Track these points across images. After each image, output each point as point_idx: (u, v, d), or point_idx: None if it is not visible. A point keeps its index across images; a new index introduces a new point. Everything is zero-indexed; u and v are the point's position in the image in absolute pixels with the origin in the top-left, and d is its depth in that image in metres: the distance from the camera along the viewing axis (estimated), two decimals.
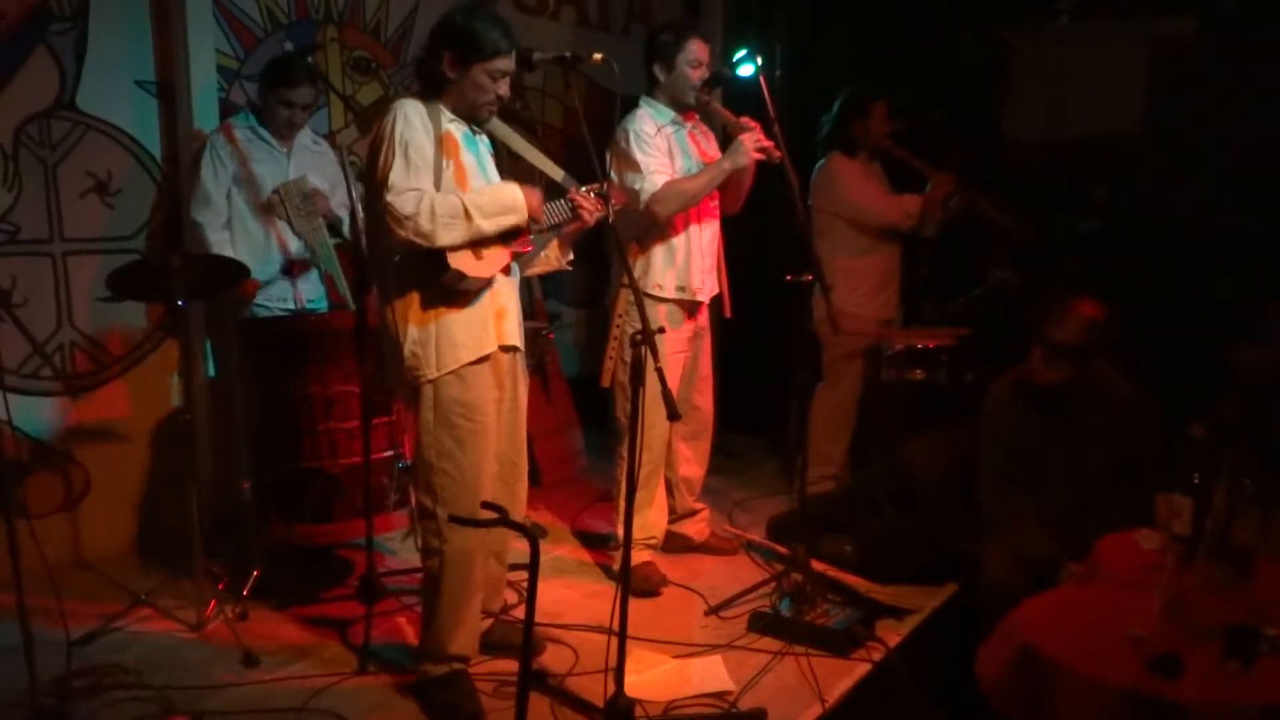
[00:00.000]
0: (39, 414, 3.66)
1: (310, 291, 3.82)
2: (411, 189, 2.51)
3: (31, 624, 2.50)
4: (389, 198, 2.50)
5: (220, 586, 3.33)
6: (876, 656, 3.01)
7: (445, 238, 2.52)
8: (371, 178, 2.59)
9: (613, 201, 2.78)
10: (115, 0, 3.74)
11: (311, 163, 3.83)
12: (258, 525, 3.45)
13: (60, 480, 3.73)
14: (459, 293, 2.64)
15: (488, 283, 2.69)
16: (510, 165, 2.91)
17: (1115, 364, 3.14)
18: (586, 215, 2.77)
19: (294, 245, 3.74)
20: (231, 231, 3.66)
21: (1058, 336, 3.04)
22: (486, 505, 2.64)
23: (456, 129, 2.69)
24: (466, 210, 2.54)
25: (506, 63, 2.65)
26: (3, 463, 2.47)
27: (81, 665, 2.83)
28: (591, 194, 2.79)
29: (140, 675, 2.87)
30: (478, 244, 2.61)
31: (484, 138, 2.82)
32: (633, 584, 3.25)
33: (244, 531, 3.52)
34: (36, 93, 3.58)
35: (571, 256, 2.98)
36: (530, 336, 4.70)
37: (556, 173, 2.88)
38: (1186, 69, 4.77)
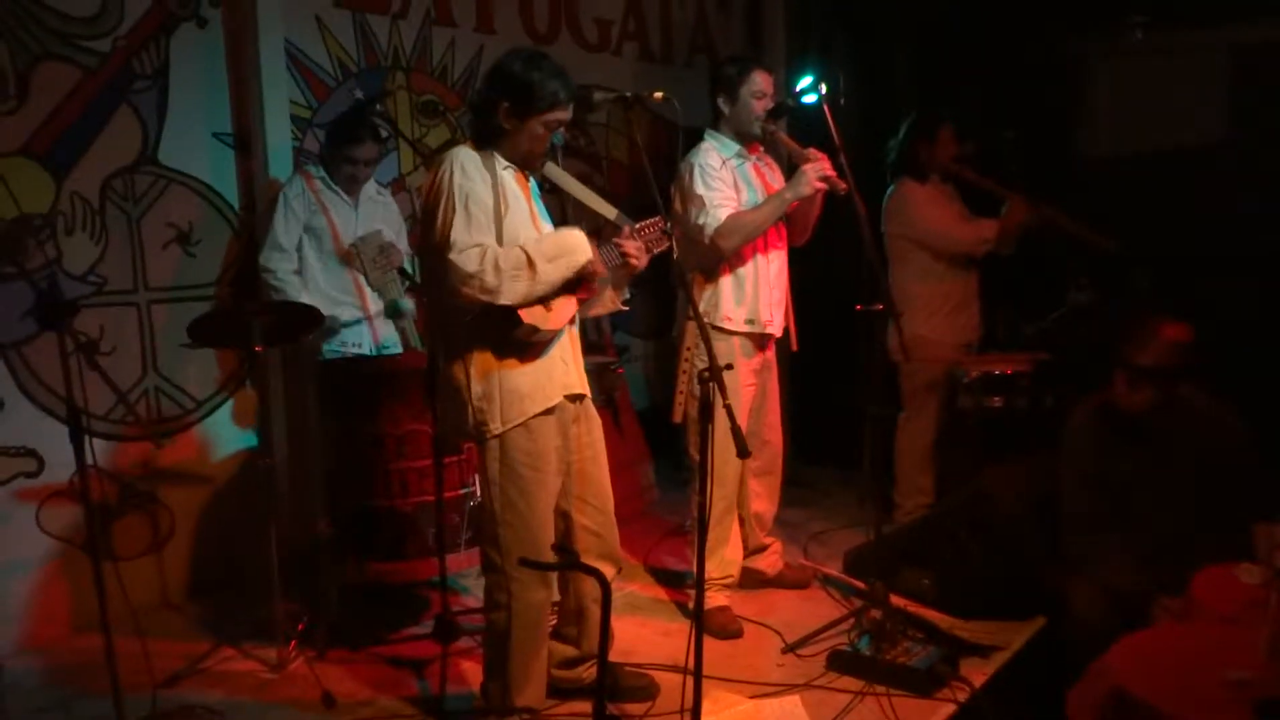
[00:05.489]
0: (126, 458, 3.76)
1: (386, 334, 3.87)
2: (474, 245, 2.47)
3: (119, 666, 2.55)
4: (452, 256, 2.46)
5: (300, 627, 3.37)
6: (961, 696, 2.91)
7: (510, 291, 2.48)
8: (430, 232, 2.55)
9: (674, 234, 2.74)
10: (194, 56, 3.87)
11: (377, 213, 3.91)
12: (335, 564, 3.49)
13: (147, 523, 3.83)
14: (529, 345, 2.61)
15: (557, 333, 2.68)
16: (562, 205, 2.88)
17: (1204, 387, 3.01)
18: (634, 261, 2.70)
19: (370, 294, 3.80)
20: (303, 277, 3.75)
21: (1141, 360, 2.93)
22: (555, 548, 2.64)
23: (510, 176, 2.66)
24: (530, 259, 2.50)
25: (564, 114, 2.61)
26: (90, 506, 2.51)
27: (167, 707, 2.88)
28: (647, 230, 2.74)
29: (224, 717, 2.92)
30: (545, 296, 2.58)
31: (533, 181, 2.79)
32: (709, 629, 3.22)
33: (322, 571, 3.57)
34: (120, 149, 3.70)
35: (627, 296, 2.92)
36: (599, 371, 4.74)
37: (609, 211, 2.81)
38: (1270, 77, 4.61)
